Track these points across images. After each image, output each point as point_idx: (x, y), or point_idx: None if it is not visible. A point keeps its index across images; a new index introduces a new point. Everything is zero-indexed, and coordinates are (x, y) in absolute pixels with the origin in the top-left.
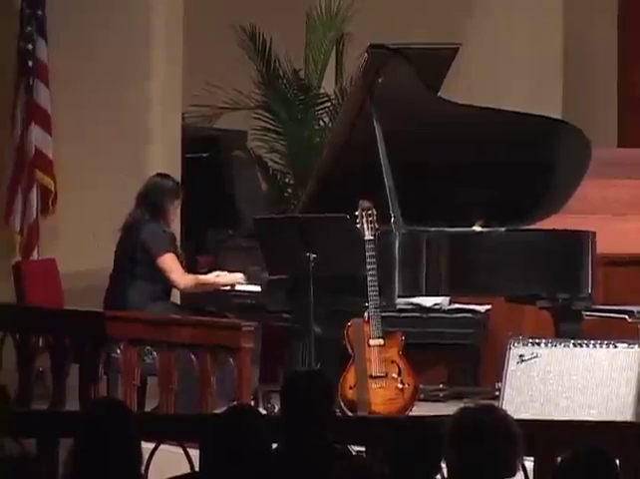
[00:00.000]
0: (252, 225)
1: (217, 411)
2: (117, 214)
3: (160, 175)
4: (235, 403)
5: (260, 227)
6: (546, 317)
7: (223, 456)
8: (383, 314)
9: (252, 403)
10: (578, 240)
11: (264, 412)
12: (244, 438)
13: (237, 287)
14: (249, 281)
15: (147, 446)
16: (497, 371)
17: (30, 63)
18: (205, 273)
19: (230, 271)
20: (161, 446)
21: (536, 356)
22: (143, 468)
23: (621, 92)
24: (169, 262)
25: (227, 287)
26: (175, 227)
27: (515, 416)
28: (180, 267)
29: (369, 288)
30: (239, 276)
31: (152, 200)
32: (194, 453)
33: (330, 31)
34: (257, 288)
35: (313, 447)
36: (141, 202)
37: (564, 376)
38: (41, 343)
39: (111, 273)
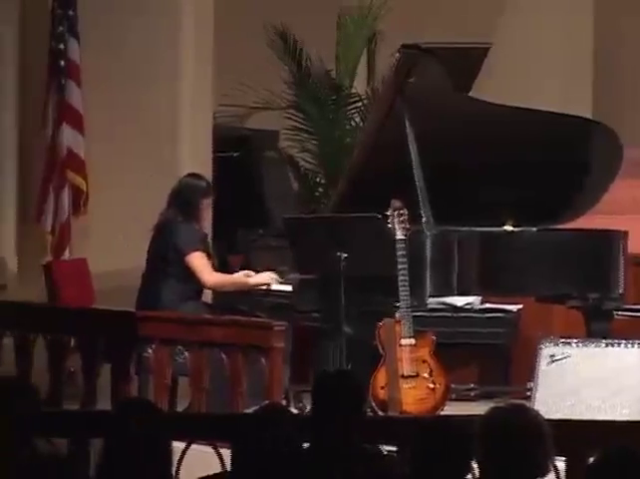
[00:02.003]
0: (282, 224)
1: (248, 411)
2: (148, 213)
3: (192, 175)
4: (267, 403)
5: (290, 226)
6: (577, 317)
7: (255, 455)
8: (414, 314)
9: (283, 403)
10: (609, 240)
11: (295, 412)
12: (276, 438)
13: (273, 287)
14: (282, 281)
15: (178, 446)
16: (528, 371)
17: (62, 63)
18: (235, 273)
19: (258, 271)
20: (193, 446)
21: (567, 356)
22: (173, 468)
23: None
24: (198, 261)
25: (263, 287)
26: (206, 226)
27: (547, 416)
28: (209, 266)
29: (400, 288)
30: (268, 276)
31: (183, 199)
32: (226, 453)
33: (362, 30)
34: (289, 288)
35: (344, 447)
36: (173, 201)
37: (595, 376)
38: (72, 343)
39: (143, 273)
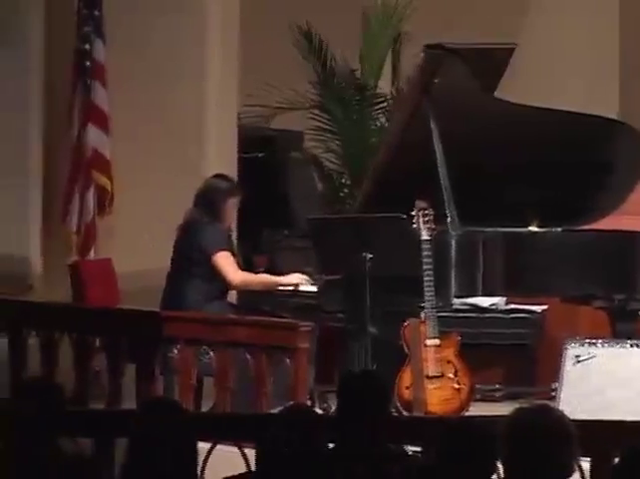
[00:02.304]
0: (307, 225)
1: (273, 411)
2: (173, 213)
3: (218, 175)
4: (291, 403)
5: (315, 227)
6: (603, 318)
7: (279, 456)
8: (439, 314)
9: (308, 403)
10: (635, 241)
11: (320, 412)
12: (301, 438)
13: (300, 288)
14: (312, 283)
15: (203, 446)
16: (554, 371)
17: (87, 63)
18: (263, 273)
19: (283, 273)
20: (218, 446)
21: (593, 356)
22: (198, 468)
23: None
24: (223, 260)
25: (290, 287)
26: (231, 226)
27: (572, 417)
28: (235, 265)
29: (425, 289)
30: (297, 277)
31: (209, 199)
32: (250, 453)
33: (387, 30)
34: (314, 289)
35: (369, 447)
36: (198, 201)
37: (620, 376)
38: (97, 343)
39: (168, 273)
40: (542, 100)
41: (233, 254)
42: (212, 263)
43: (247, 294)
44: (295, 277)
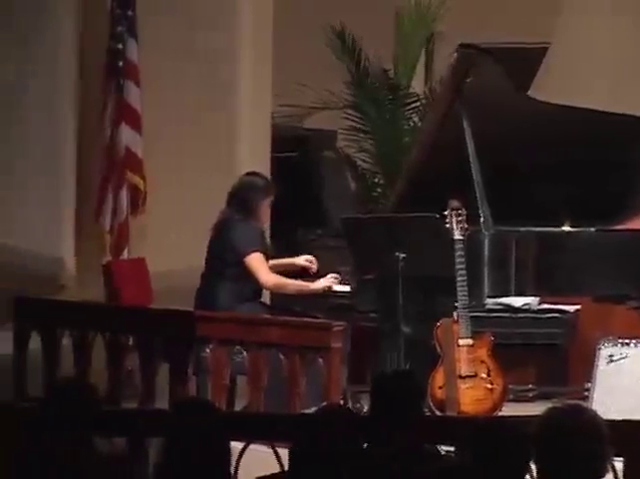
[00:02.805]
0: (340, 224)
1: (307, 411)
2: (206, 213)
3: (251, 173)
4: (325, 403)
5: (348, 226)
6: (636, 317)
7: (313, 456)
8: (472, 314)
9: (341, 403)
10: None
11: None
12: (336, 438)
13: (334, 288)
14: (340, 282)
15: (236, 446)
16: (587, 371)
17: (120, 63)
18: (289, 256)
19: (317, 273)
20: (251, 446)
21: (626, 356)
22: (232, 468)
23: None
24: (256, 262)
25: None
26: (265, 226)
27: (605, 417)
28: (267, 268)
29: (458, 288)
30: (328, 280)
31: (242, 198)
32: (284, 453)
33: (420, 29)
34: (347, 289)
35: (402, 447)
36: (232, 200)
37: None
38: (130, 343)
39: (202, 273)
40: (568, 99)
41: (267, 255)
42: (245, 265)
43: (280, 295)
44: (325, 281)
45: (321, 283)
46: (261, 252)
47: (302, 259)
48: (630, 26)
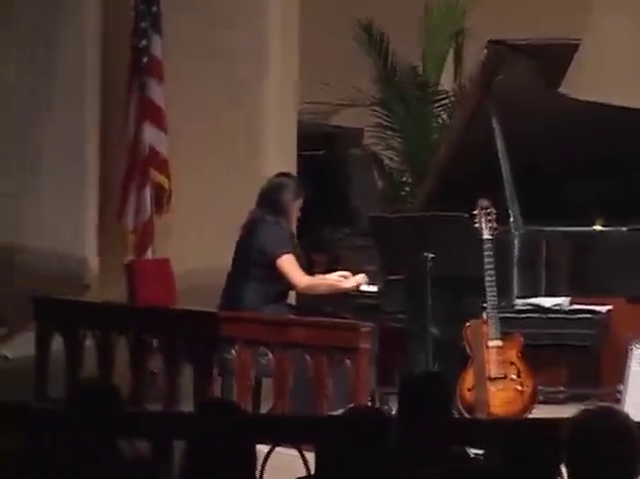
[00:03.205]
0: (368, 223)
1: (334, 413)
2: (232, 212)
3: (282, 174)
4: (352, 405)
5: (376, 225)
6: None
7: (340, 459)
8: (501, 315)
9: (369, 405)
10: None
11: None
12: (364, 440)
13: (361, 288)
14: (369, 282)
15: (261, 449)
16: (619, 373)
17: (144, 60)
18: (322, 273)
19: (343, 270)
20: (277, 449)
21: None
22: (257, 471)
23: None
24: (288, 264)
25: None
26: (292, 225)
27: (637, 419)
28: (299, 269)
29: (487, 289)
30: (361, 278)
31: (273, 199)
32: (310, 456)
33: (449, 25)
34: (375, 289)
35: (431, 450)
36: (262, 201)
37: None
38: (154, 344)
39: (228, 273)
40: (599, 96)
41: (297, 256)
42: (277, 267)
43: (307, 295)
44: (357, 279)
45: (353, 282)
46: (292, 254)
47: (336, 276)
48: None
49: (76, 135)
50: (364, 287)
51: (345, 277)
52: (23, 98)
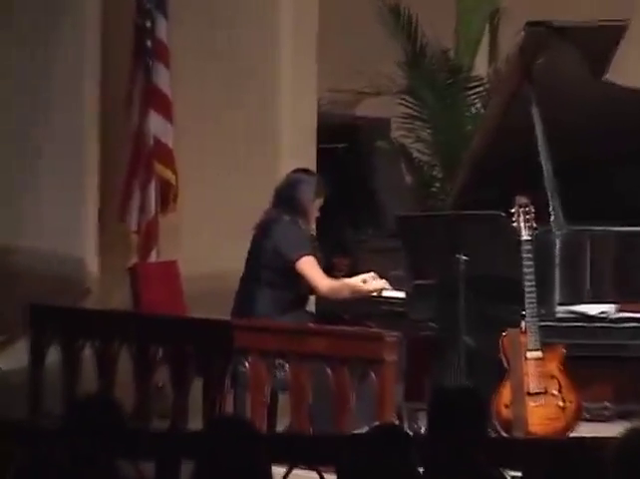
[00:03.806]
0: (395, 223)
1: (356, 432)
2: (244, 211)
3: (302, 170)
4: (377, 423)
5: (404, 225)
6: None
7: None
8: (541, 324)
9: (396, 423)
10: None
11: (410, 433)
12: (389, 462)
13: (384, 294)
14: (393, 287)
15: (278, 470)
16: None
17: (148, 42)
18: (343, 277)
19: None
20: (294, 471)
21: None
22: None
23: None
24: (309, 266)
25: (374, 293)
26: (311, 226)
27: None
28: (321, 272)
29: (526, 295)
30: (384, 283)
31: (290, 197)
32: (331, 478)
33: (484, 4)
34: (402, 295)
35: (464, 472)
36: (278, 199)
37: None
38: (160, 355)
39: (242, 276)
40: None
41: (317, 259)
42: (296, 270)
43: (326, 302)
44: (383, 282)
45: (377, 284)
46: (312, 256)
47: (360, 280)
48: None
49: (75, 124)
50: (389, 293)
51: (364, 281)
52: (23, 98)
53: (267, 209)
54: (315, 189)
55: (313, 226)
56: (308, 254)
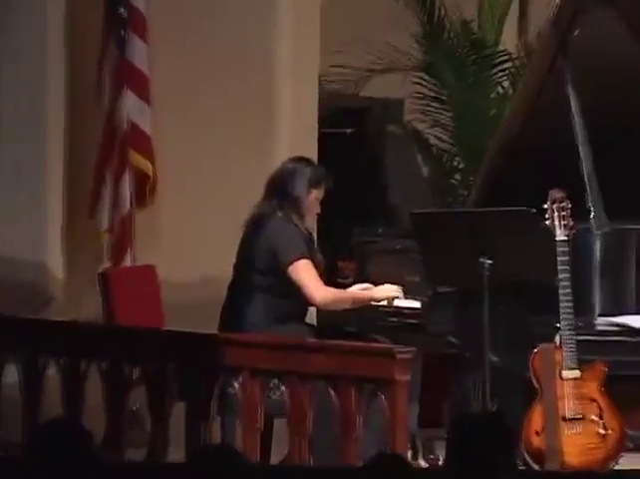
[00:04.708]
0: (409, 221)
1: (363, 463)
2: (234, 207)
3: (297, 158)
4: (387, 453)
5: (420, 224)
6: None
7: None
8: (579, 338)
9: (410, 453)
10: None
11: (425, 465)
12: None
13: (395, 303)
14: (407, 295)
15: None
16: None
17: (122, 11)
18: (350, 285)
19: (376, 283)
20: None
21: None
22: None
23: None
24: (303, 271)
25: (383, 303)
26: (312, 224)
27: None
28: (317, 278)
29: (561, 304)
30: (393, 289)
31: (284, 189)
32: None
33: None
34: (417, 304)
35: None
36: (271, 192)
37: None
38: (136, 374)
39: (230, 283)
40: None
41: (316, 263)
42: (288, 274)
43: (330, 313)
44: (390, 289)
45: (384, 292)
46: (308, 259)
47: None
48: None
49: (35, 105)
50: (401, 302)
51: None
52: None
53: (257, 203)
54: (313, 180)
55: (313, 223)
56: (302, 257)
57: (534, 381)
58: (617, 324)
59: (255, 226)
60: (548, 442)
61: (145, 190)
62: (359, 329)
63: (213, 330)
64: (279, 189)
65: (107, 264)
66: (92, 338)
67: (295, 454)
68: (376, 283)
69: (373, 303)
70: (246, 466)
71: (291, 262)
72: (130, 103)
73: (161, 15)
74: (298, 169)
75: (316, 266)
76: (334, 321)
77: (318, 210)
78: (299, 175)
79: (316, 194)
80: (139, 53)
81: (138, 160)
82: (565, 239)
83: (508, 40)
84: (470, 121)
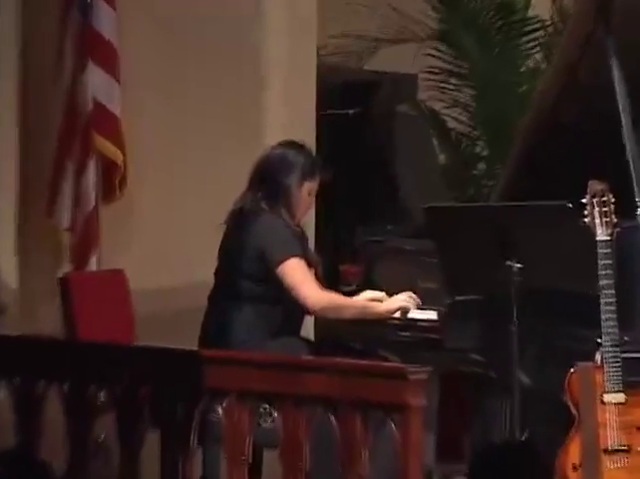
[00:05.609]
0: (423, 218)
1: None
2: (216, 201)
3: (287, 143)
4: None
5: (436, 221)
6: None
7: None
8: (624, 356)
9: None
10: None
11: None
12: None
13: (409, 315)
14: (421, 305)
15: None
16: None
17: None
18: (354, 293)
19: (384, 291)
20: None
21: None
22: None
23: None
24: (294, 272)
25: (397, 314)
26: (308, 221)
27: None
28: (311, 278)
29: (603, 316)
30: (403, 299)
31: (271, 180)
32: None
33: None
34: (433, 316)
35: None
36: (256, 183)
37: None
38: (102, 397)
39: (211, 291)
40: None
41: (311, 265)
42: (277, 276)
43: (331, 326)
44: (400, 300)
45: (395, 303)
46: (301, 258)
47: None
48: None
49: None
50: (415, 314)
51: (380, 300)
52: None
53: (241, 195)
54: (305, 168)
55: (308, 218)
56: (293, 256)
57: (571, 406)
58: None
59: (238, 223)
60: (588, 477)
61: (113, 182)
62: (364, 345)
63: (193, 346)
64: (265, 179)
65: (68, 268)
66: (50, 355)
67: None
68: (388, 292)
69: (384, 317)
70: None
71: (280, 262)
72: (95, 78)
73: None
74: (288, 155)
75: (311, 268)
76: (335, 335)
77: (311, 206)
78: (289, 163)
79: (309, 187)
80: (106, 21)
81: (104, 146)
82: (608, 238)
83: (540, 5)
84: (494, 99)
